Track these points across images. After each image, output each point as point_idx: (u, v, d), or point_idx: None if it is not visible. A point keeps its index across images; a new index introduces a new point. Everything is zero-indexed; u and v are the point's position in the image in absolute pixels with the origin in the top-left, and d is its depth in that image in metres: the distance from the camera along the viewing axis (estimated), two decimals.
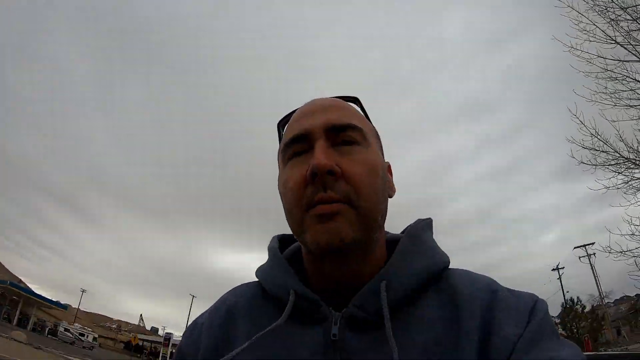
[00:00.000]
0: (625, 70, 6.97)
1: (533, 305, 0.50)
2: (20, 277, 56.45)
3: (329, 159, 0.50)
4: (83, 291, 63.38)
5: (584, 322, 20.08)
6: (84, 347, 39.03)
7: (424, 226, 0.60)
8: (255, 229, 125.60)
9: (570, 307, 20.48)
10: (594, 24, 7.05)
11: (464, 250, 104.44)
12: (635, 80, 6.84)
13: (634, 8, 6.75)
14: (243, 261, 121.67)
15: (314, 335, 0.51)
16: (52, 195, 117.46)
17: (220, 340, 0.57)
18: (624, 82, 6.95)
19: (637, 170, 6.96)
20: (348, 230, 0.49)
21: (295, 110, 0.62)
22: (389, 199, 0.59)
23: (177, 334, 54.92)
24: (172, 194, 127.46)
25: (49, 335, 38.51)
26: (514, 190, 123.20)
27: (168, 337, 51.40)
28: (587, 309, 30.21)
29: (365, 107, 0.64)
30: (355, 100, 0.63)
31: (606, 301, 33.38)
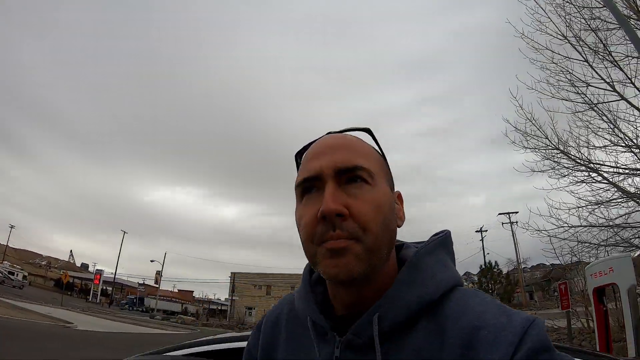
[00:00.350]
0: (569, 67, 7.55)
1: (521, 335, 0.50)
2: None
3: (336, 202, 0.56)
4: (12, 227, 60.40)
5: (499, 284, 21.36)
6: (13, 287, 38.06)
7: (433, 247, 0.63)
8: (188, 163, 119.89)
9: (487, 269, 22.75)
10: (549, 18, 7.57)
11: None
12: (577, 78, 7.49)
13: (589, 10, 7.30)
14: (174, 196, 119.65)
15: (326, 354, 0.61)
16: None
17: (270, 340, 0.71)
18: (566, 76, 7.61)
19: (564, 159, 7.67)
20: (355, 264, 0.55)
21: (310, 143, 0.67)
22: (398, 228, 0.65)
23: (109, 270, 53.54)
24: (104, 125, 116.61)
25: None
26: (447, 151, 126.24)
27: (99, 273, 51.13)
28: (505, 272, 32.50)
29: (376, 137, 0.68)
30: (367, 130, 0.67)
31: (523, 266, 36.68)
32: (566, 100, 7.69)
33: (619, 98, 7.19)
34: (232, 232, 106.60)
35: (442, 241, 0.65)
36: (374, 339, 0.55)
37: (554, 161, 7.75)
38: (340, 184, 0.58)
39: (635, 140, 7.14)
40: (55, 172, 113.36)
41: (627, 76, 7.04)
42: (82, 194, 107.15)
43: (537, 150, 7.90)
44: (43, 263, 67.96)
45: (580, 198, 7.51)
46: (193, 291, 64.20)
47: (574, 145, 7.63)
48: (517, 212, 32.04)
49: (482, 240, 35.47)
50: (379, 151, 0.68)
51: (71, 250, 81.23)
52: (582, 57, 7.36)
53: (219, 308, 55.78)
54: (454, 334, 0.53)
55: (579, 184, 7.54)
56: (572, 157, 7.59)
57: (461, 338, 0.52)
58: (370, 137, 0.68)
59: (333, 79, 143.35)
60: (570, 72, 7.58)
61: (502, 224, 34.44)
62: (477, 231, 36.10)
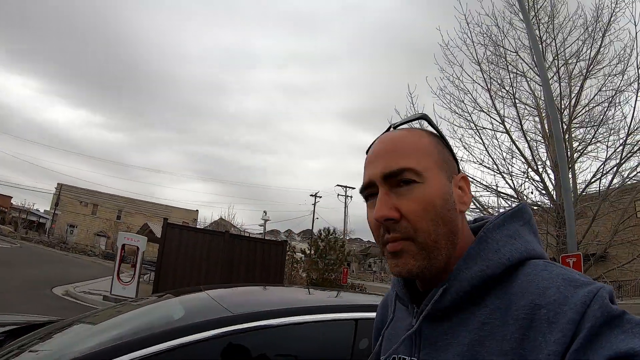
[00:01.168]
0: (470, 88, 8.27)
1: (583, 311, 0.47)
2: None
3: (386, 208, 0.59)
4: None
5: (334, 254, 21.10)
6: None
7: (502, 221, 0.63)
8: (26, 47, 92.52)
9: (326, 236, 20.90)
10: (472, 41, 8.19)
11: (237, 146, 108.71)
12: (473, 98, 8.25)
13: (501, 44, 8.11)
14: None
15: (407, 324, 0.68)
16: None
17: (382, 318, 0.83)
18: (465, 95, 8.28)
19: None
20: (413, 263, 0.59)
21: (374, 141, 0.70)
22: (463, 212, 0.65)
23: None
24: None
25: None
26: (300, 111, 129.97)
27: None
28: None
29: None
30: (424, 117, 0.69)
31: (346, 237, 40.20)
32: (456, 114, 8.31)
33: (504, 131, 7.90)
34: (63, 138, 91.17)
35: (514, 213, 0.65)
36: (443, 310, 0.60)
37: None
38: (391, 187, 0.61)
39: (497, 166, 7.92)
40: None
41: (518, 115, 7.84)
42: None
43: None
44: None
45: None
46: (12, 197, 55.02)
47: None
48: (353, 188, 35.14)
49: (314, 204, 39.41)
50: (438, 135, 0.68)
51: None
52: (485, 85, 8.04)
53: (38, 221, 50.11)
54: (517, 313, 0.52)
55: None
56: None
57: (522, 318, 0.51)
58: (427, 123, 0.69)
59: (210, 4, 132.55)
60: (468, 93, 8.28)
61: (338, 195, 37.69)
62: (312, 195, 39.53)
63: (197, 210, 52.85)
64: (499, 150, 8.05)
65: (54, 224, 43.42)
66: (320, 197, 40.37)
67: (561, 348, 0.46)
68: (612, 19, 7.28)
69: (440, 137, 0.68)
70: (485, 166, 8.10)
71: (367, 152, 0.69)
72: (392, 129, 0.69)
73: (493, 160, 8.06)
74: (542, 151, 8.01)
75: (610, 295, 0.49)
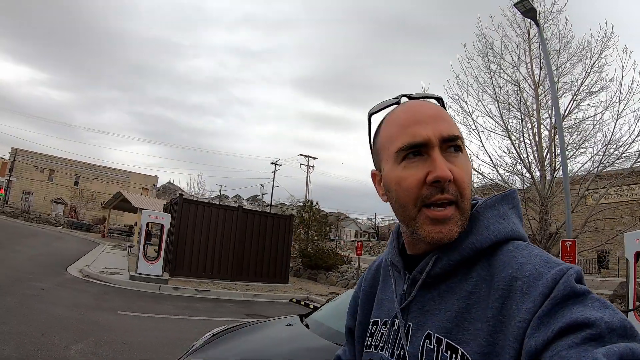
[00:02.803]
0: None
1: (552, 286, 0.51)
2: None
3: (447, 170, 0.60)
4: None
5: (321, 223, 20.48)
6: None
7: (493, 202, 0.67)
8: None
9: (309, 206, 21.17)
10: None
11: (185, 108, 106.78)
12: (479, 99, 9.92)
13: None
14: None
15: (399, 289, 0.72)
16: None
17: (372, 282, 0.85)
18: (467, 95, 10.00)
19: None
20: (455, 229, 0.62)
21: (390, 105, 0.71)
22: None
23: None
24: None
25: None
26: (253, 75, 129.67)
27: None
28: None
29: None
30: (439, 99, 0.71)
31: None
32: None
33: (505, 136, 9.59)
34: (10, 98, 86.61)
35: (504, 196, 0.68)
36: (433, 277, 0.64)
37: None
38: (444, 152, 0.63)
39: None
40: None
41: (521, 124, 9.51)
42: None
43: None
44: None
45: None
46: None
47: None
48: (316, 158, 35.43)
49: (274, 172, 39.76)
50: None
51: None
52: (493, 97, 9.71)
53: None
54: (498, 284, 0.57)
55: None
56: None
57: (502, 288, 0.56)
58: (440, 105, 0.70)
59: None
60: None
61: (300, 164, 38.14)
62: (272, 163, 40.16)
63: (156, 175, 51.85)
64: (492, 146, 9.98)
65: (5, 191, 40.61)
66: (281, 164, 40.59)
67: (530, 316, 0.50)
68: (597, 60, 9.05)
69: None
70: (480, 159, 9.92)
71: (372, 114, 0.72)
72: (404, 98, 0.71)
73: (489, 155, 9.96)
74: (530, 152, 9.81)
75: (578, 275, 0.53)
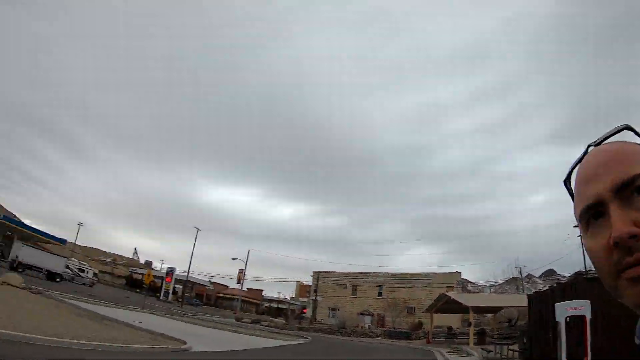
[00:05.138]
0: None
1: None
2: (13, 213, 51.72)
3: (626, 224, 0.51)
4: (80, 224, 62.59)
5: None
6: (83, 284, 36.08)
7: None
8: (250, 163, 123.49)
9: None
10: None
11: (453, 202, 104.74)
12: None
13: None
14: (231, 197, 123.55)
15: None
16: (38, 127, 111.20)
17: None
18: None
19: None
20: None
21: (574, 164, 0.61)
22: None
23: (180, 268, 52.31)
24: (161, 126, 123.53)
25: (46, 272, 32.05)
26: (506, 146, 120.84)
27: (171, 271, 50.47)
28: None
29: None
30: (628, 128, 0.59)
31: None
32: None
33: None
34: (288, 230, 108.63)
35: None
36: None
37: None
38: (626, 201, 0.53)
39: None
40: (121, 175, 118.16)
41: None
42: (144, 194, 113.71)
43: None
44: (109, 260, 68.20)
45: None
46: (262, 290, 64.85)
47: None
48: None
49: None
50: None
51: (135, 248, 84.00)
52: None
53: (289, 308, 56.88)
54: None
55: None
56: None
57: None
58: (633, 134, 0.59)
59: (384, 71, 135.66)
60: None
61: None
62: (574, 226, 31.58)
63: (457, 272, 51.48)
64: None
65: (310, 311, 47.12)
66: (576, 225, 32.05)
67: None
68: None
69: None
70: None
71: (566, 180, 0.63)
72: (591, 147, 0.61)
73: None
74: None
75: None
